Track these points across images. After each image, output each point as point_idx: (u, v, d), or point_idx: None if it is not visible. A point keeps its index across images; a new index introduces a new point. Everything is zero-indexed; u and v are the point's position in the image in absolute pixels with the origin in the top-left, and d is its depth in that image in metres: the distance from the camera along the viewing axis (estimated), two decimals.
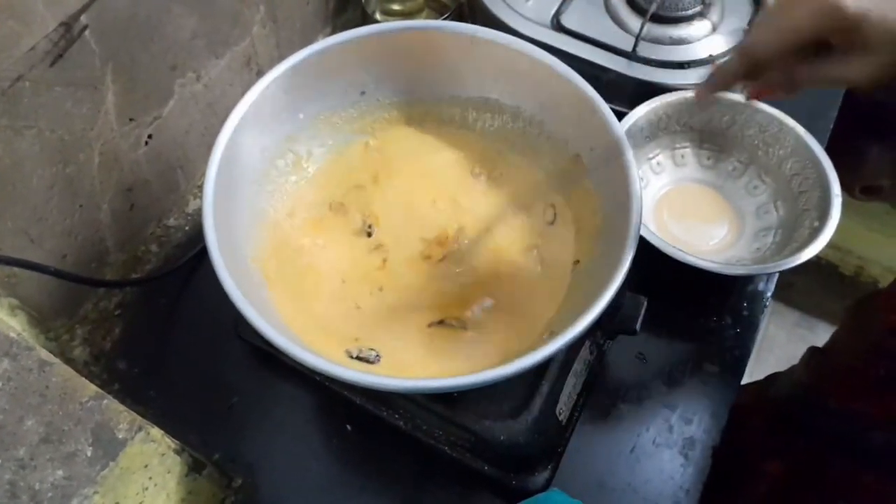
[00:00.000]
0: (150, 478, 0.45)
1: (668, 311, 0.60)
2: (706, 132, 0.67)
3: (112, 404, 0.44)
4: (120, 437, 0.43)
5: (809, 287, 1.48)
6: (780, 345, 1.50)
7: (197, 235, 0.66)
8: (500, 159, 0.57)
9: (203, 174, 0.45)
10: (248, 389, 0.58)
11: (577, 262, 0.51)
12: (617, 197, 0.46)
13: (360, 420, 0.56)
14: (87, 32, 0.49)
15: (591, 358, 0.56)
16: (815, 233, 0.57)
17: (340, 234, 0.54)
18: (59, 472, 0.41)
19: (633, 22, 0.71)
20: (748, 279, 0.64)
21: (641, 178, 0.66)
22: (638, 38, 0.67)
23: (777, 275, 0.63)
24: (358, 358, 0.47)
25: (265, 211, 0.52)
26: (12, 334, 0.42)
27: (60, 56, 0.48)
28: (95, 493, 0.41)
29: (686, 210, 0.67)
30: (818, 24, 0.27)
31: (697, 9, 0.70)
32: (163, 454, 0.46)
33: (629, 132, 0.63)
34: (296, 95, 0.52)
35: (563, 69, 0.50)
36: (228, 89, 0.67)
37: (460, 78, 0.55)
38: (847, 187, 0.97)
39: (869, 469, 0.57)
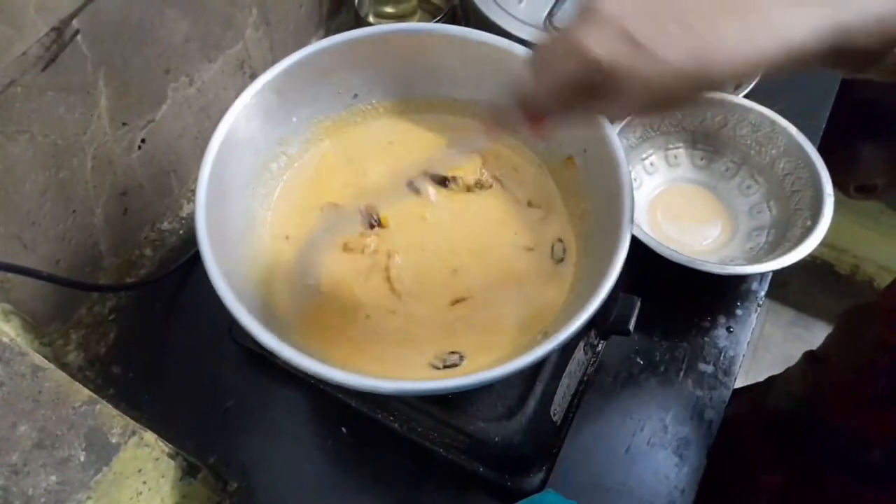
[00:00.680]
0: (145, 482, 0.45)
1: (662, 311, 0.60)
2: (699, 133, 0.67)
3: (105, 409, 0.44)
4: (113, 441, 0.43)
5: (805, 286, 1.48)
6: (777, 344, 1.50)
7: (191, 239, 0.66)
8: (491, 161, 0.57)
9: (196, 178, 0.45)
10: (243, 393, 0.58)
11: (569, 262, 0.51)
12: (610, 198, 0.46)
13: (355, 422, 0.56)
14: (78, 37, 0.49)
15: (586, 359, 0.57)
16: (807, 232, 0.57)
17: (334, 236, 0.54)
18: (53, 478, 0.41)
19: None
20: (741, 279, 0.64)
21: (635, 179, 0.67)
22: None
23: (770, 274, 0.63)
24: (445, 367, 0.47)
25: (258, 213, 0.52)
26: (5, 339, 0.42)
27: (52, 61, 0.48)
28: (89, 498, 0.41)
29: (679, 210, 0.67)
30: (580, 74, 0.32)
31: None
32: (157, 458, 0.46)
33: (622, 133, 0.63)
34: (288, 98, 0.52)
35: None
36: (222, 93, 0.67)
37: (453, 80, 0.55)
38: (842, 186, 0.98)
39: (869, 486, 0.57)
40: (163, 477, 0.46)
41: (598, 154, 0.48)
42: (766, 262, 0.57)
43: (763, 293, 0.63)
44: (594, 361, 0.58)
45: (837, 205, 0.58)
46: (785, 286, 1.50)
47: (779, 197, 0.64)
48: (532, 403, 0.49)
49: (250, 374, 0.59)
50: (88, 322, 0.62)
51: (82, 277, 0.60)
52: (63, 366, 0.59)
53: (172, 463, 0.47)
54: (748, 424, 0.69)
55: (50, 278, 0.52)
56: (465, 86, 0.55)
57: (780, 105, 0.64)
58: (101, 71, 0.52)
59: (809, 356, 0.70)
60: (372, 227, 0.53)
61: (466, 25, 0.52)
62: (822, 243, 0.56)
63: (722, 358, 0.60)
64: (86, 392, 0.44)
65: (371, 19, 0.78)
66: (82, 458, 0.42)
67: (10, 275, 0.51)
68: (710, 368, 0.59)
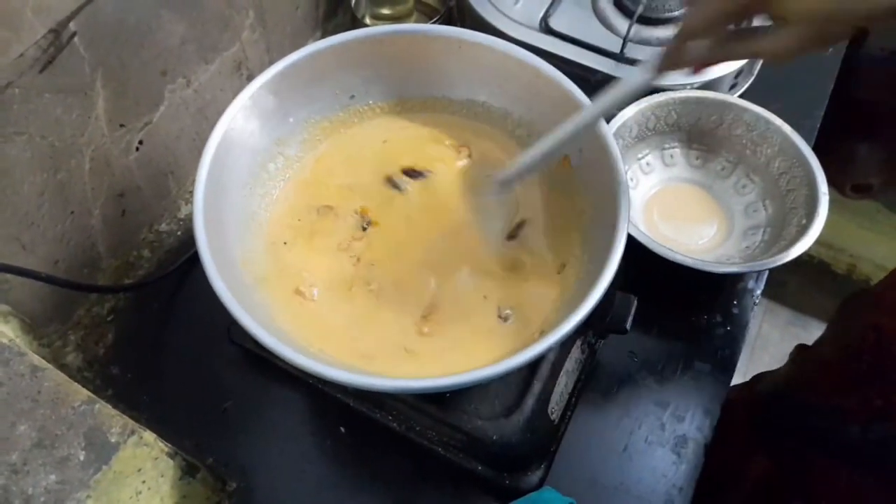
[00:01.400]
0: (144, 482, 0.45)
1: (659, 309, 0.60)
2: (695, 132, 0.68)
3: (104, 408, 0.44)
4: (113, 440, 0.43)
5: (802, 285, 1.48)
6: (774, 343, 1.50)
7: (189, 240, 0.66)
8: (489, 160, 0.57)
9: (194, 179, 0.45)
10: (242, 393, 0.59)
11: (564, 263, 0.51)
12: (605, 197, 0.46)
13: (353, 422, 0.56)
14: (76, 39, 0.49)
15: (583, 357, 0.57)
16: (802, 230, 0.57)
17: (330, 237, 0.54)
18: (52, 477, 0.41)
19: (621, 24, 0.71)
20: (738, 277, 0.64)
21: (631, 179, 0.67)
22: (625, 39, 0.68)
23: (766, 272, 0.63)
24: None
25: (256, 214, 0.52)
26: (4, 340, 0.43)
27: (50, 62, 0.48)
28: (88, 497, 0.41)
29: (675, 209, 0.67)
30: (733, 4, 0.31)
31: (683, 10, 0.71)
32: (156, 458, 0.46)
33: (618, 133, 0.63)
34: (285, 99, 0.52)
35: (550, 71, 0.50)
36: (219, 94, 0.67)
37: (449, 82, 0.56)
38: (838, 186, 0.99)
39: (846, 464, 0.57)
40: (162, 476, 0.47)
41: (593, 153, 0.48)
42: (761, 260, 0.57)
43: (759, 292, 0.64)
44: (592, 360, 0.58)
45: (834, 204, 0.59)
46: (782, 286, 1.51)
47: (774, 196, 0.64)
48: (530, 402, 0.50)
49: (249, 375, 0.59)
50: (87, 323, 0.62)
51: (81, 278, 0.60)
52: (62, 367, 0.59)
53: (172, 462, 0.47)
54: (735, 409, 0.69)
55: (48, 279, 0.52)
56: (461, 86, 0.56)
57: (776, 105, 0.64)
58: (98, 73, 0.52)
59: (800, 347, 0.71)
60: (364, 228, 0.53)
61: (462, 27, 0.53)
62: (819, 243, 0.57)
63: (718, 356, 0.60)
64: (85, 392, 0.44)
65: (367, 21, 0.79)
66: (82, 458, 0.42)
67: (8, 276, 0.51)
68: (706, 367, 0.59)
